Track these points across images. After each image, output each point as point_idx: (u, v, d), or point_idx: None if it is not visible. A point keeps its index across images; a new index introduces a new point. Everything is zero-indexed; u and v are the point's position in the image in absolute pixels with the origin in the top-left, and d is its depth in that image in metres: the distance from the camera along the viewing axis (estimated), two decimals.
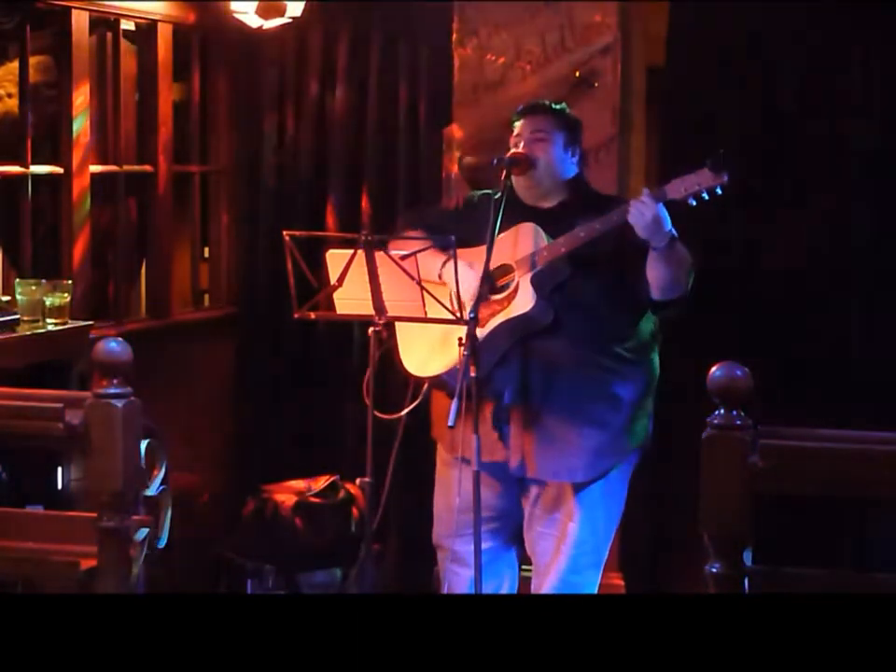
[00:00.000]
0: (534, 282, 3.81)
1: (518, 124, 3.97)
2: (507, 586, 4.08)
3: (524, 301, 3.82)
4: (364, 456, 3.76)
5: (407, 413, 3.90)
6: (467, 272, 3.78)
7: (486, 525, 3.85)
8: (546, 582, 3.95)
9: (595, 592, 4.00)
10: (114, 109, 5.15)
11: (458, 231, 3.83)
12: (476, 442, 3.65)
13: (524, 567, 4.21)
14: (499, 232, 3.77)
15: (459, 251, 3.69)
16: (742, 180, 4.77)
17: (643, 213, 3.65)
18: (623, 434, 3.93)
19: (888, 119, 4.77)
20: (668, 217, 3.68)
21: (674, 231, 3.70)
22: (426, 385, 3.98)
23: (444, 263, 3.87)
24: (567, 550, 3.91)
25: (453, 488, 4.02)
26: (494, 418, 3.85)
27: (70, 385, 4.24)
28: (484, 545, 3.85)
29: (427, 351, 3.95)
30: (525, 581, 4.15)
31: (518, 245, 3.83)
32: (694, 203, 3.68)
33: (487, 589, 3.92)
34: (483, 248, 3.76)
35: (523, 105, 4.06)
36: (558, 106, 4.03)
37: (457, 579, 4.04)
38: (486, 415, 3.84)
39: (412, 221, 4.16)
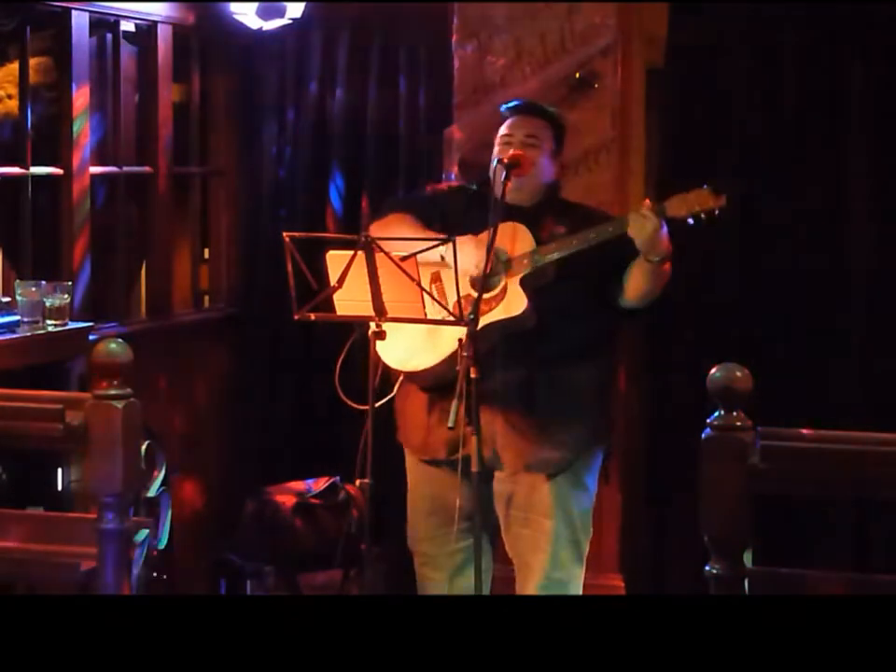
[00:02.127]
0: (523, 284, 3.82)
1: (510, 121, 3.97)
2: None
3: (515, 303, 3.82)
4: (364, 458, 3.76)
5: (377, 404, 3.87)
6: (471, 251, 3.77)
7: (458, 524, 3.85)
8: (530, 582, 3.97)
9: (581, 586, 4.01)
10: (114, 110, 5.15)
11: (434, 220, 3.86)
12: (477, 442, 3.66)
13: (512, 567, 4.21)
14: (482, 229, 3.79)
15: (446, 256, 3.72)
16: (742, 181, 4.81)
17: (644, 226, 3.67)
18: (589, 427, 3.95)
19: (888, 119, 4.77)
20: (666, 234, 3.70)
21: (670, 248, 3.72)
22: (401, 379, 3.97)
23: (436, 280, 3.88)
24: (547, 547, 3.93)
25: (425, 491, 4.03)
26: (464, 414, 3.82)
27: (70, 387, 4.24)
28: (458, 545, 3.87)
29: (411, 346, 3.93)
30: (510, 581, 4.15)
31: (507, 244, 3.83)
32: (692, 223, 3.70)
33: (461, 589, 3.94)
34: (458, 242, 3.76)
35: (517, 102, 4.06)
36: (552, 110, 4.06)
37: (430, 583, 4.05)
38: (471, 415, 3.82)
39: (395, 207, 4.12)
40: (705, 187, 3.68)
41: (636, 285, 3.81)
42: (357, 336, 3.90)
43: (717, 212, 3.69)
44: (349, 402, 3.82)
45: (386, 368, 3.95)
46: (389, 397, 3.95)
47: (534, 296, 3.83)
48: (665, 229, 3.70)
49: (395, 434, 4.11)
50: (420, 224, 3.96)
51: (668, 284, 3.86)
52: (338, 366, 3.85)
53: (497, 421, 3.88)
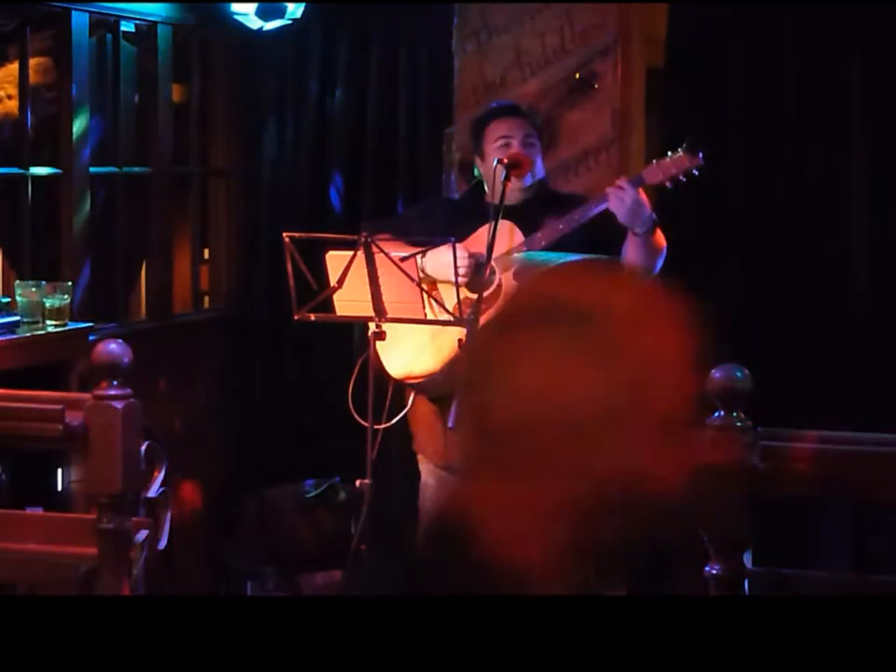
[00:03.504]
0: (516, 277, 3.82)
1: (505, 122, 3.95)
2: None
3: None
4: (364, 458, 3.77)
5: (391, 422, 3.87)
6: (444, 256, 3.77)
7: None
8: None
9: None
10: (114, 110, 5.15)
11: (423, 234, 3.86)
12: None
13: None
14: (472, 231, 3.79)
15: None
16: (741, 182, 4.80)
17: (622, 199, 3.68)
18: None
19: (888, 119, 4.77)
20: (647, 202, 3.72)
21: (654, 216, 3.73)
22: (412, 394, 3.96)
23: (423, 253, 3.86)
24: None
25: (438, 496, 4.02)
26: None
27: (70, 387, 4.24)
28: None
29: (413, 353, 3.93)
30: None
31: (496, 243, 3.83)
32: (671, 187, 3.72)
33: None
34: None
35: (504, 103, 4.07)
36: (533, 110, 4.10)
37: None
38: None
39: (382, 231, 4.10)
40: (679, 150, 3.70)
41: (630, 261, 3.81)
42: (366, 356, 3.89)
43: (695, 172, 3.71)
44: (362, 422, 3.81)
45: (398, 384, 3.94)
46: (402, 414, 3.94)
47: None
48: (644, 198, 3.71)
49: (411, 443, 4.12)
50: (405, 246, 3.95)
51: (666, 260, 3.86)
52: (350, 385, 3.84)
53: None
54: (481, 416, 1.35)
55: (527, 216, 3.89)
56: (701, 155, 3.69)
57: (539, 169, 3.97)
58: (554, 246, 3.83)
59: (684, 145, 3.71)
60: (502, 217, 3.81)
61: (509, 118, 3.97)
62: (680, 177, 3.72)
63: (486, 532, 1.33)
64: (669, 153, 3.73)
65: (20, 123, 4.74)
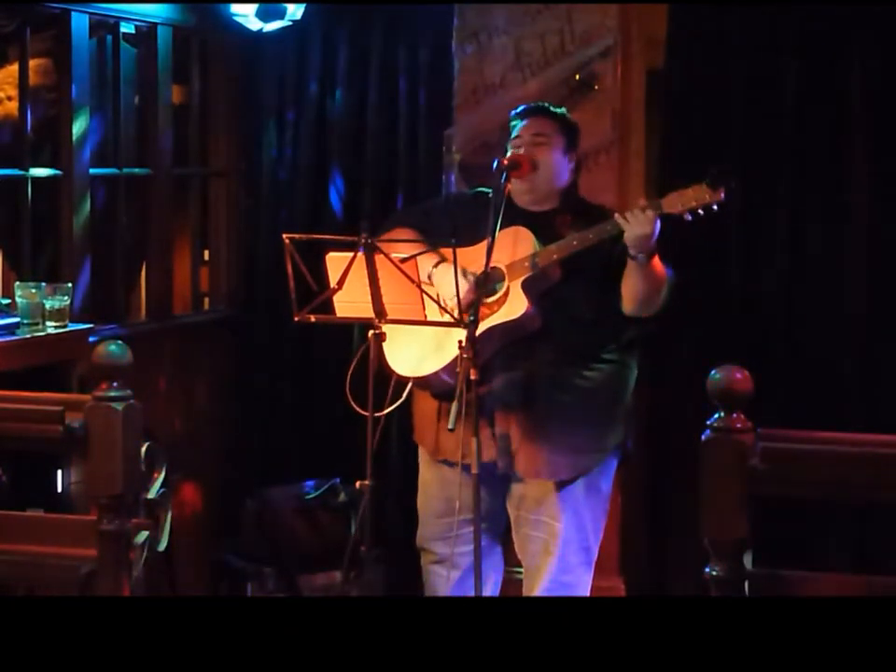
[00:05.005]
0: (525, 287, 3.82)
1: (518, 126, 3.97)
2: (491, 586, 4.08)
3: (516, 306, 3.82)
4: (364, 459, 3.77)
5: (386, 411, 3.88)
6: (459, 277, 3.77)
7: (471, 526, 3.84)
8: (538, 584, 3.97)
9: (588, 591, 4.01)
10: (114, 112, 5.15)
11: (446, 228, 3.86)
12: (476, 444, 3.66)
13: (516, 569, 4.21)
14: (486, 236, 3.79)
15: (447, 251, 3.72)
16: (742, 184, 4.80)
17: (640, 223, 3.66)
18: (603, 433, 3.95)
19: (888, 119, 4.77)
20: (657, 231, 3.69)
21: (654, 245, 3.71)
22: (409, 385, 3.98)
23: (437, 265, 3.88)
24: (556, 550, 3.93)
25: (436, 491, 4.03)
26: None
27: (70, 389, 4.24)
28: (469, 546, 3.86)
29: (419, 353, 3.94)
30: (518, 584, 4.15)
31: (509, 248, 3.83)
32: (690, 219, 3.68)
33: (472, 588, 3.94)
34: (471, 249, 3.79)
35: (524, 107, 4.06)
36: (559, 110, 4.04)
37: (441, 581, 4.05)
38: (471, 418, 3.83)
39: (402, 220, 4.15)
40: (704, 183, 3.66)
41: (629, 288, 3.80)
42: (366, 346, 3.90)
43: (715, 207, 3.67)
44: (359, 409, 3.82)
45: (398, 376, 3.96)
46: (398, 403, 3.95)
47: (540, 299, 3.83)
48: (657, 227, 3.68)
49: (411, 434, 4.13)
50: (423, 237, 3.96)
51: (673, 291, 3.84)
52: (349, 373, 3.86)
53: (512, 427, 3.88)
54: None
55: (553, 224, 3.89)
56: (723, 191, 3.63)
57: (555, 170, 3.94)
58: (568, 261, 3.82)
59: (708, 178, 3.65)
60: (521, 224, 3.82)
61: (524, 119, 3.99)
62: (699, 211, 3.68)
63: None
64: (693, 185, 3.67)
65: (20, 125, 4.74)
